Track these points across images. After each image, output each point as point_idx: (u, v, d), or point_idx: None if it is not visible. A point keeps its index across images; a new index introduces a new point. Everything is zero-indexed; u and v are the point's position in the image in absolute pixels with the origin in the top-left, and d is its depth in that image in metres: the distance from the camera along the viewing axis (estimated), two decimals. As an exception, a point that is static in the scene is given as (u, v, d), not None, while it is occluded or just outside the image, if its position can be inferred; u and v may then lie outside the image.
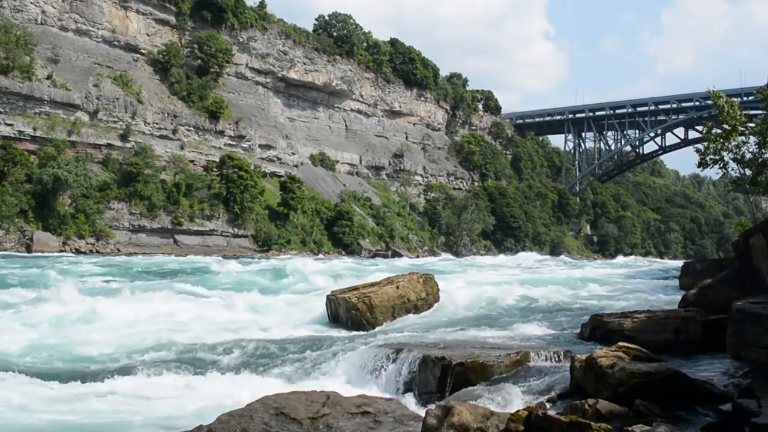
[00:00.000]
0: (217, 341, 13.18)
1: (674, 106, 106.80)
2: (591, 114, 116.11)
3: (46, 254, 44.14)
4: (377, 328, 14.18)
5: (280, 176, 76.46)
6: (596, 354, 7.91)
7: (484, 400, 7.99)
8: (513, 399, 8.20)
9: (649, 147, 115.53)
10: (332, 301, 15.61)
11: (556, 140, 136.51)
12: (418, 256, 72.99)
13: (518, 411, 6.65)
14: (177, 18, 73.68)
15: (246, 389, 9.54)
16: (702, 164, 27.18)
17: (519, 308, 15.77)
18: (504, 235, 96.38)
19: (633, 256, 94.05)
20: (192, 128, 69.64)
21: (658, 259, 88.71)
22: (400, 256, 70.51)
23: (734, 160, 26.43)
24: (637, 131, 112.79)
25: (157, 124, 66.01)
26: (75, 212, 53.99)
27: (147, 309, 16.62)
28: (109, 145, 60.76)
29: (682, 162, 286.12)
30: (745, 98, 67.20)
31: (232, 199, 65.54)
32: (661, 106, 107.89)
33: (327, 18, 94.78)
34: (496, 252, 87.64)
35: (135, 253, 52.29)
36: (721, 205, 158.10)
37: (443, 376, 9.25)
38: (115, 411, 8.75)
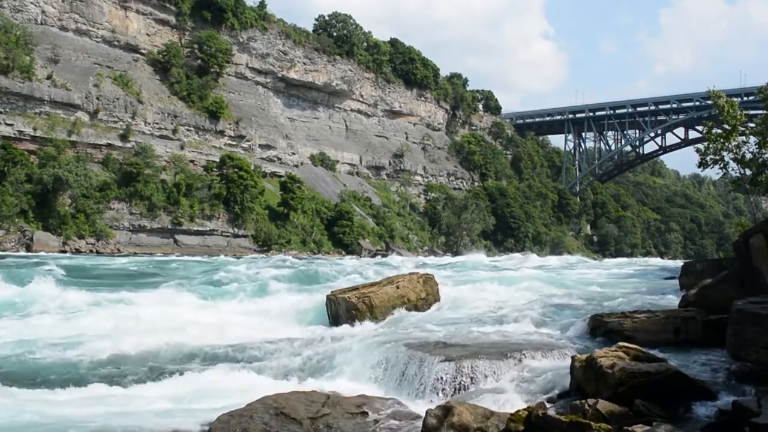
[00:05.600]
0: (216, 342, 13.19)
1: (674, 106, 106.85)
2: (591, 114, 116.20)
3: (46, 254, 44.07)
4: (377, 328, 14.17)
5: (280, 176, 76.48)
6: (596, 354, 7.91)
7: (484, 400, 7.99)
8: (513, 399, 8.20)
9: (649, 147, 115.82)
10: (332, 301, 15.60)
11: (556, 140, 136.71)
12: (417, 256, 72.89)
13: (518, 411, 6.66)
14: (177, 18, 73.73)
15: (246, 389, 9.54)
16: (702, 164, 27.20)
17: (519, 308, 15.75)
18: (504, 235, 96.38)
19: (645, 259, 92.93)
20: (192, 128, 69.67)
21: (659, 259, 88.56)
22: (401, 256, 70.38)
23: (734, 160, 26.44)
24: (637, 131, 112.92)
25: (157, 124, 66.04)
26: (75, 212, 54.02)
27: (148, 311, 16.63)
28: (109, 145, 60.79)
29: (682, 162, 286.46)
30: (745, 98, 67.22)
31: (232, 199, 65.57)
32: (661, 106, 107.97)
33: (327, 18, 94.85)
34: (497, 252, 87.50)
35: (136, 254, 52.29)
36: (721, 205, 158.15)
37: (443, 376, 9.25)
38: (117, 409, 8.75)
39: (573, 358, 8.40)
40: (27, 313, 16.34)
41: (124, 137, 62.14)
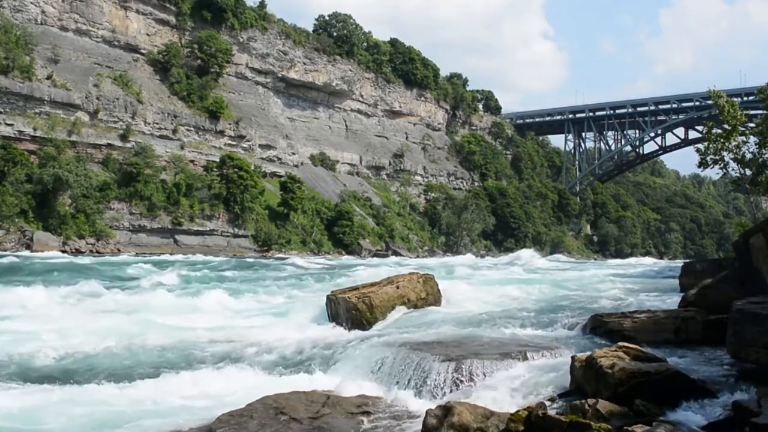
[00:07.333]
0: (217, 341, 13.19)
1: (674, 106, 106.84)
2: (591, 114, 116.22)
3: (46, 254, 43.99)
4: (377, 328, 14.16)
5: (280, 176, 76.49)
6: (596, 354, 7.91)
7: (483, 400, 7.99)
8: (513, 399, 8.20)
9: (649, 147, 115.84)
10: (332, 301, 15.59)
11: (556, 140, 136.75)
12: (417, 257, 72.91)
13: (518, 411, 6.66)
14: (177, 18, 73.74)
15: (246, 389, 9.54)
16: (702, 164, 27.18)
17: (519, 308, 15.74)
18: (504, 235, 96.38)
19: (650, 259, 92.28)
20: (192, 128, 69.69)
21: (659, 260, 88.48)
22: (401, 256, 70.46)
23: (734, 160, 26.43)
24: (637, 131, 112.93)
25: (157, 124, 66.05)
26: (75, 212, 54.03)
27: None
28: (109, 145, 60.80)
29: (682, 162, 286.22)
30: (745, 98, 67.21)
31: (232, 199, 65.57)
32: (661, 106, 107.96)
33: (327, 18, 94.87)
34: (497, 252, 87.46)
35: (136, 253, 52.23)
36: (721, 205, 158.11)
37: (443, 376, 9.25)
38: (119, 408, 8.76)
39: (573, 358, 8.39)
40: None
41: (124, 137, 62.15)
